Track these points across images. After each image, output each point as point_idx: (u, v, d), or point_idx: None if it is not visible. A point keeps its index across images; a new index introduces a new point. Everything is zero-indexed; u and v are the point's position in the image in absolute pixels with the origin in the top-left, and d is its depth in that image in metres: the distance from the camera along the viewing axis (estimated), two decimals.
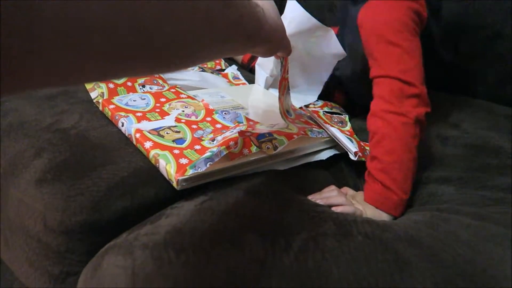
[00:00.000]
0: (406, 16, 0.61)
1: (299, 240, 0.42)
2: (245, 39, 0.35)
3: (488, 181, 0.57)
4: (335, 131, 0.66)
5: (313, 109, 0.76)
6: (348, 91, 0.84)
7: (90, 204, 0.47)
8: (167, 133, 0.56)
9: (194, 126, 0.59)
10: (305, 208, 0.49)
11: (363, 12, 0.66)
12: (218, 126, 0.61)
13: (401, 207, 0.55)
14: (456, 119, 0.77)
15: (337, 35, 0.72)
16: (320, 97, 0.85)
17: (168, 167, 0.49)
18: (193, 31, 0.26)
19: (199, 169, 0.49)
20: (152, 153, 0.52)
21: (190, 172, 0.49)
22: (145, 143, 0.53)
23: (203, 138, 0.56)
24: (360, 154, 0.62)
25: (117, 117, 0.59)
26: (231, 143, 0.54)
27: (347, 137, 0.65)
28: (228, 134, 0.57)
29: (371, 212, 0.54)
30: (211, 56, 0.32)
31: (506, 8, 0.87)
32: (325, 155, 0.65)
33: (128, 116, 0.59)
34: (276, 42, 0.43)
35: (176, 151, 0.52)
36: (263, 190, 0.52)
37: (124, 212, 0.49)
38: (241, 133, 0.56)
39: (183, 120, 0.60)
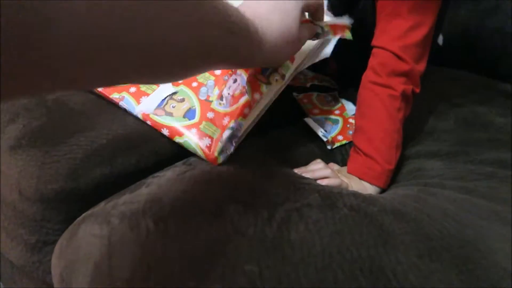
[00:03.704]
0: None
1: (283, 211, 0.41)
2: (236, 65, 0.40)
3: (476, 156, 0.57)
4: (312, 124, 0.65)
5: (306, 93, 0.73)
6: (342, 57, 0.82)
7: (66, 171, 0.46)
8: (172, 106, 0.52)
9: (195, 84, 0.54)
10: (291, 179, 0.48)
11: None
12: (218, 72, 0.55)
13: (385, 177, 0.54)
14: (448, 93, 0.76)
15: None
16: (314, 66, 0.83)
17: (200, 154, 0.48)
18: (193, 55, 0.29)
19: (228, 151, 0.47)
20: (177, 141, 0.50)
21: (221, 159, 0.47)
22: (162, 130, 0.50)
23: (210, 99, 0.52)
24: (338, 138, 0.63)
25: (115, 101, 0.54)
26: (242, 100, 0.49)
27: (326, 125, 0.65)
28: (232, 84, 0.52)
29: (356, 185, 0.54)
30: (200, 72, 0.37)
31: None
32: (329, 49, 0.60)
33: (124, 97, 0.54)
34: (272, 63, 0.45)
35: (194, 130, 0.49)
36: (248, 161, 0.50)
37: (102, 180, 0.47)
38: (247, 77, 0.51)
39: (180, 81, 0.55)
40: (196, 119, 0.50)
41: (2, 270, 0.70)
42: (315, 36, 0.47)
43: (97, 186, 0.47)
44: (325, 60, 0.84)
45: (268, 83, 0.50)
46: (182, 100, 0.52)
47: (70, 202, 0.46)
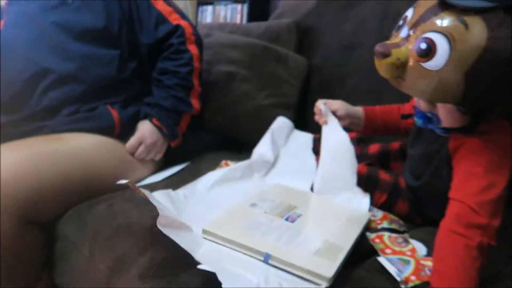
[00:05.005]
0: (501, 157, 0.66)
1: None
2: None
3: None
4: (386, 263, 0.71)
5: (378, 233, 0.81)
6: (414, 200, 0.90)
7: None
8: None
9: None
10: None
11: (456, 144, 0.71)
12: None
13: None
14: None
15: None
16: (381, 206, 0.92)
17: None
18: None
19: None
20: None
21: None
22: None
23: None
24: (412, 279, 0.68)
25: None
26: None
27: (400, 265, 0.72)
28: None
29: None
30: None
31: None
32: None
33: None
34: None
35: None
36: None
37: None
38: None
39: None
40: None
41: None
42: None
43: None
44: (393, 201, 0.93)
45: None
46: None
47: None
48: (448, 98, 0.61)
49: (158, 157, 1.06)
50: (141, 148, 1.00)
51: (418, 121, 0.75)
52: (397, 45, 0.61)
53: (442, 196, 0.69)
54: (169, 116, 1.04)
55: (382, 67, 0.63)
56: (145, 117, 1.04)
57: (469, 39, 0.55)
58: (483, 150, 0.67)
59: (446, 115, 0.70)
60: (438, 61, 0.57)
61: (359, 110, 0.95)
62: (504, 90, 0.60)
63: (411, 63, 0.60)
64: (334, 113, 0.93)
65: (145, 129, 1.01)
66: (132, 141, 1.00)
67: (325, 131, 0.94)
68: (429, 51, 0.57)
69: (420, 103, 0.72)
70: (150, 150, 1.02)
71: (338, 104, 0.93)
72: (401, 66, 0.61)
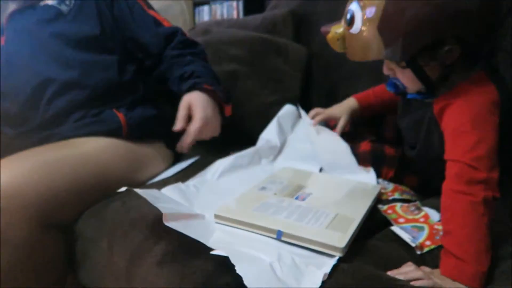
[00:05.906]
0: (486, 112, 0.68)
1: None
2: None
3: None
4: (399, 231, 0.72)
5: (390, 204, 0.82)
6: (420, 172, 0.90)
7: (201, 280, 0.58)
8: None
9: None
10: (386, 282, 0.55)
11: (440, 107, 0.73)
12: None
13: (478, 278, 0.58)
14: None
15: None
16: (391, 181, 0.92)
17: None
18: None
19: None
20: None
21: None
22: None
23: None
24: (427, 244, 0.70)
25: None
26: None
27: (415, 232, 0.73)
28: None
29: (450, 286, 0.58)
30: None
31: None
32: None
33: None
34: None
35: None
36: (346, 267, 0.59)
37: None
38: None
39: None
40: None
41: None
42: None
43: None
44: (403, 172, 0.93)
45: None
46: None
47: None
48: (375, 54, 0.68)
49: (217, 132, 1.01)
50: (198, 124, 0.93)
51: (389, 89, 0.80)
52: (338, 23, 0.73)
53: (440, 161, 0.70)
54: (214, 77, 1.02)
55: (329, 42, 0.74)
56: (185, 90, 0.96)
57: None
58: (467, 108, 0.69)
59: (404, 78, 0.74)
60: (357, 25, 0.68)
61: (353, 104, 1.00)
62: (416, 37, 0.65)
63: (346, 34, 0.70)
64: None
65: (196, 100, 0.94)
66: (182, 112, 0.94)
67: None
68: (351, 19, 0.68)
69: (384, 70, 0.76)
70: (209, 124, 0.95)
71: (341, 121, 0.99)
72: (341, 39, 0.72)
